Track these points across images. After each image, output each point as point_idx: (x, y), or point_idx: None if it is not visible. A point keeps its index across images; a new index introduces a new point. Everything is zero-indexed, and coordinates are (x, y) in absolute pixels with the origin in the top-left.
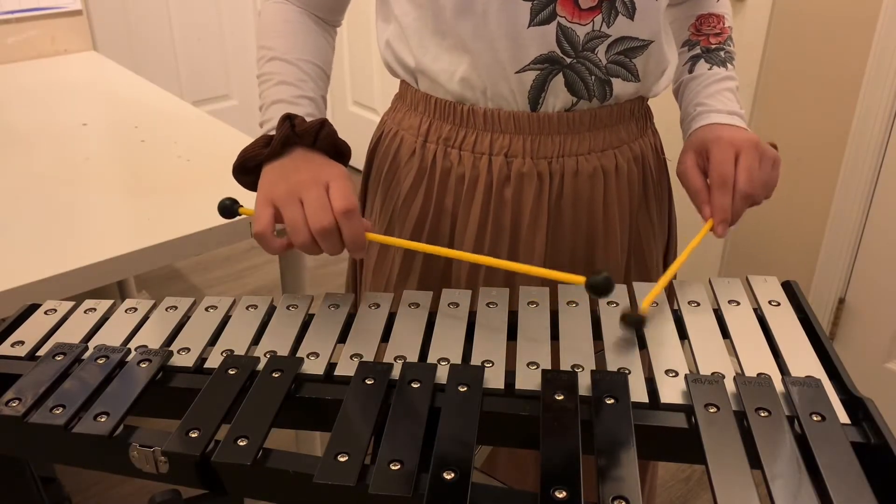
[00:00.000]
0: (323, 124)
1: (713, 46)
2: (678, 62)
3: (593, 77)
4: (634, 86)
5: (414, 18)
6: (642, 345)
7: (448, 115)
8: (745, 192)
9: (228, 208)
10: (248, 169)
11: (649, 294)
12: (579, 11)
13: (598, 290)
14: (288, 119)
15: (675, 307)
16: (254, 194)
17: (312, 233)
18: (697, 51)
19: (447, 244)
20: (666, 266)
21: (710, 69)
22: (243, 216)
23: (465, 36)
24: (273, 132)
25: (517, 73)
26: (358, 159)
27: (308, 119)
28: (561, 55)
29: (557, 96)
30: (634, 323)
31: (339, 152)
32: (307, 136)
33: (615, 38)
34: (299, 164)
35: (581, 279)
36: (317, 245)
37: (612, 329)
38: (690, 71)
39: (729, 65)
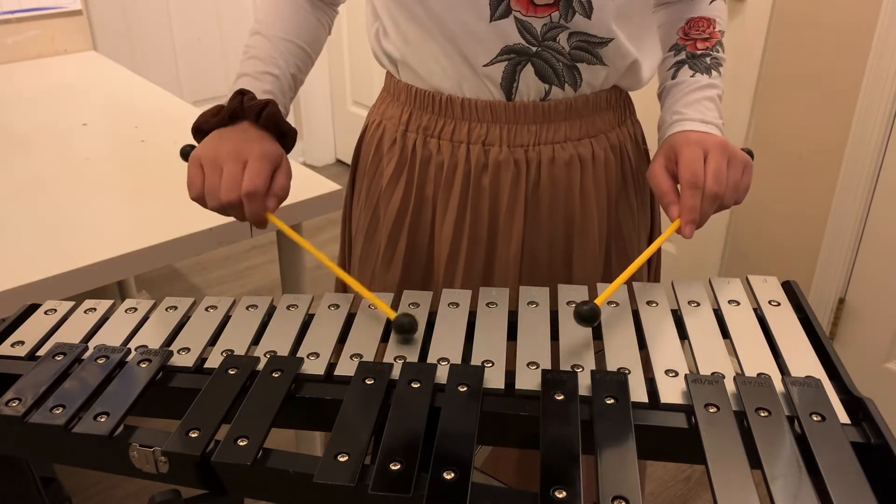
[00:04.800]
0: (267, 104)
1: (699, 52)
2: (665, 66)
3: (560, 63)
4: (603, 70)
5: (392, 12)
6: (642, 345)
7: (427, 105)
8: (713, 192)
9: (187, 154)
10: (203, 132)
11: (605, 292)
12: (534, 7)
13: (400, 330)
14: (240, 94)
15: (676, 307)
16: None
17: (221, 202)
18: (682, 56)
19: (429, 232)
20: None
21: (692, 76)
22: None
23: (435, 32)
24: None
25: (485, 66)
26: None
27: (265, 95)
28: (527, 45)
29: (529, 85)
30: (587, 314)
31: (282, 132)
32: (251, 112)
33: (574, 30)
34: (235, 135)
35: (392, 314)
36: (226, 211)
37: (612, 329)
38: (673, 77)
39: (714, 71)
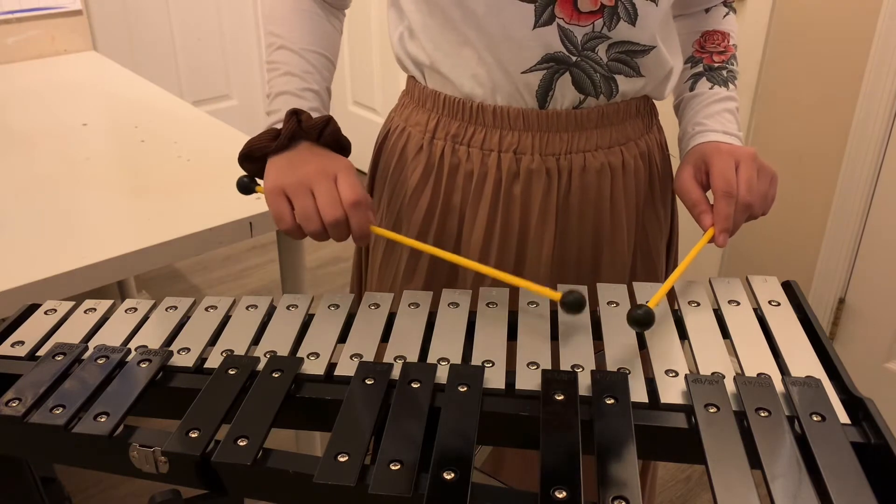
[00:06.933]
0: (328, 121)
1: (716, 65)
2: (681, 78)
3: (598, 74)
4: (640, 81)
5: (424, 15)
6: (642, 345)
7: (457, 112)
8: (746, 202)
9: (247, 186)
10: (253, 158)
11: (653, 297)
12: (578, 14)
13: (573, 308)
14: (295, 115)
15: (676, 307)
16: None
17: (324, 223)
18: (700, 68)
19: (454, 241)
20: (668, 262)
21: (711, 88)
22: (260, 194)
23: (472, 37)
24: (279, 125)
25: (524, 73)
26: (357, 159)
27: (313, 113)
28: (567, 54)
29: (565, 94)
30: (643, 318)
31: (341, 146)
32: (313, 131)
33: (616, 41)
34: (306, 156)
35: (556, 295)
36: (326, 234)
37: (612, 329)
38: (692, 89)
39: (731, 84)
